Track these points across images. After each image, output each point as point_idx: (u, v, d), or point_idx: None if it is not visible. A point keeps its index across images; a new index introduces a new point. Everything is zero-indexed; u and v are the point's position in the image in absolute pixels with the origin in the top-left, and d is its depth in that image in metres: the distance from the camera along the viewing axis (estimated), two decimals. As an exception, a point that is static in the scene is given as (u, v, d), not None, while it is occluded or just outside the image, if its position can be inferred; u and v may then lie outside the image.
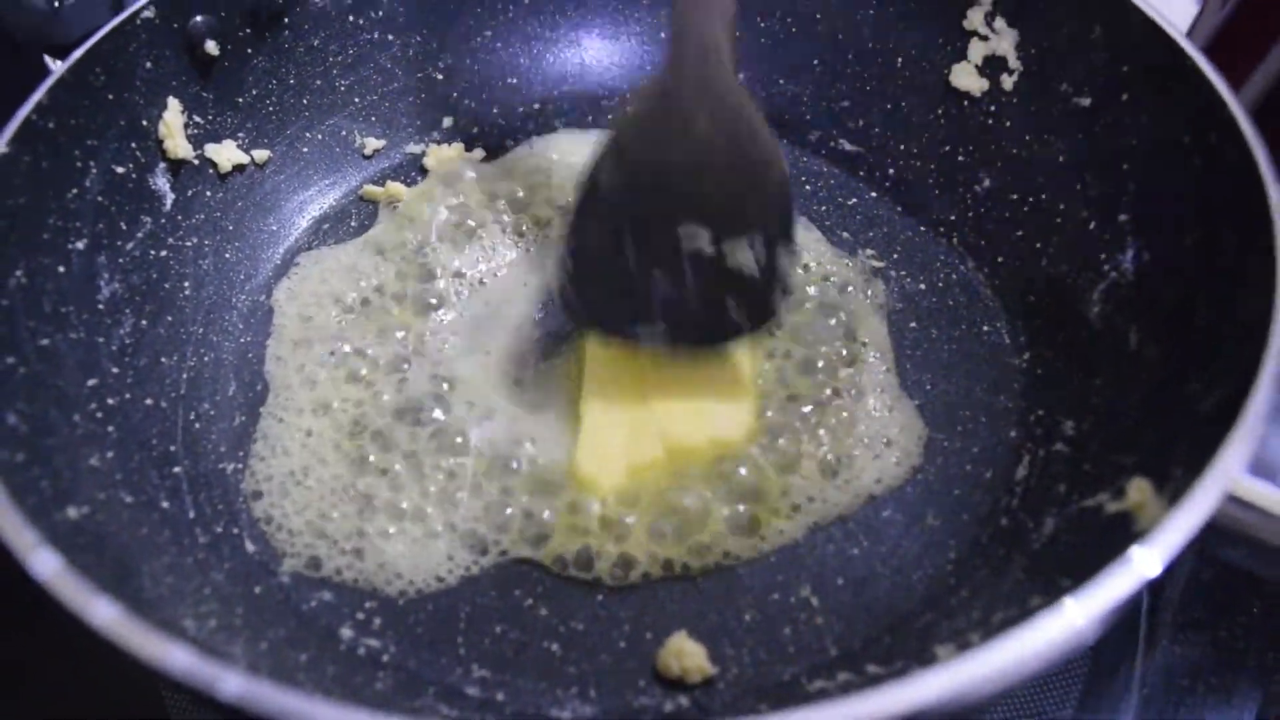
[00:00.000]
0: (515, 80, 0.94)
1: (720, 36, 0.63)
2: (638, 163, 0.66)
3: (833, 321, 0.76)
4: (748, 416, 0.70)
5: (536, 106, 0.93)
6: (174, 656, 0.42)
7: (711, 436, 0.69)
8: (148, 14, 0.73)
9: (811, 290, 0.78)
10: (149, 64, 0.74)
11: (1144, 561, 0.46)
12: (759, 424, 0.70)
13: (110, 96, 0.71)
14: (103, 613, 0.44)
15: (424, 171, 0.89)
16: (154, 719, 0.69)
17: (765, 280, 0.66)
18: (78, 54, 0.69)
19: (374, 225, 0.84)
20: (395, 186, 0.86)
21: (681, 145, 0.65)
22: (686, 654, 0.59)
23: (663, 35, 0.94)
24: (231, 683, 0.41)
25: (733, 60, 0.64)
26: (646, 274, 0.66)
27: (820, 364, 0.73)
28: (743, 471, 0.67)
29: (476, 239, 0.82)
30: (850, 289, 0.78)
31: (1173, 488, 0.50)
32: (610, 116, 0.93)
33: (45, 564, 0.46)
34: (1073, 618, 0.44)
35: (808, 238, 0.82)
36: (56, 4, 0.78)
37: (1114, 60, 0.72)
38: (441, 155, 0.89)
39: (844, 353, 0.74)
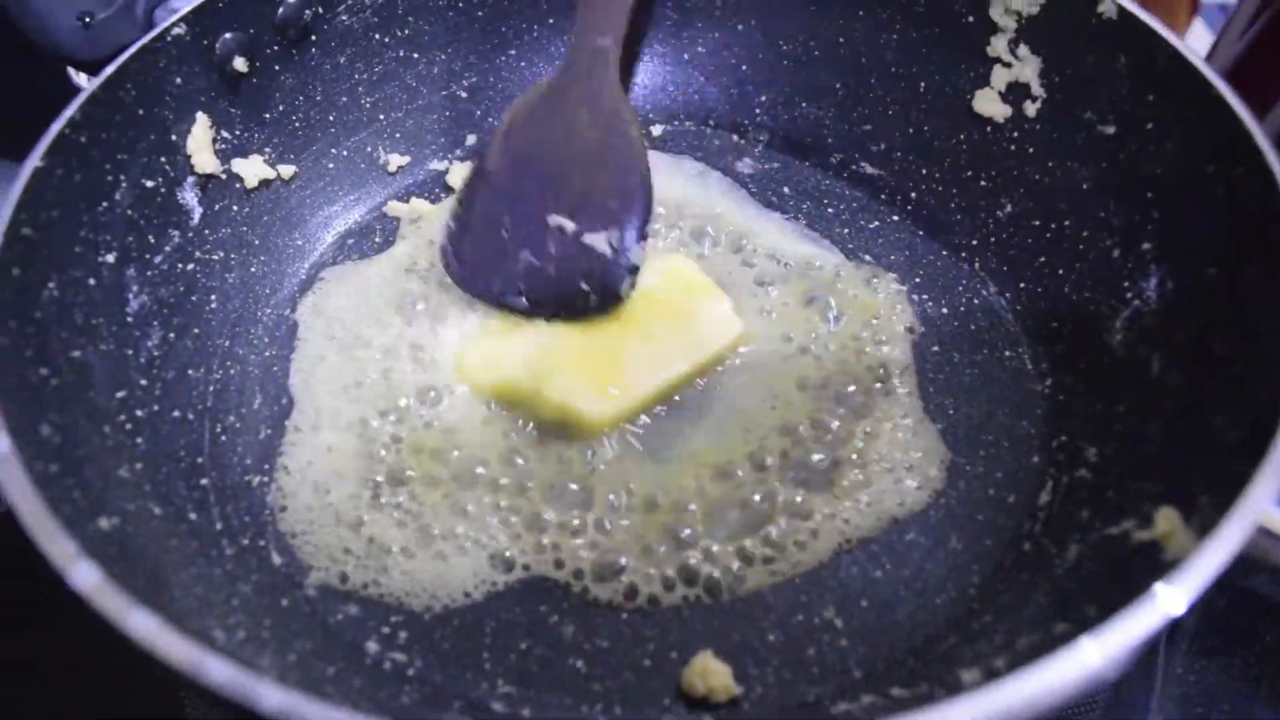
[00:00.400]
0: (539, 99, 0.94)
1: (610, 45, 0.72)
2: (519, 150, 0.74)
3: (856, 346, 0.76)
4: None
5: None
6: (212, 670, 0.43)
7: (715, 350, 0.74)
8: (178, 31, 0.73)
9: (835, 312, 0.78)
10: (179, 80, 0.74)
11: (1173, 595, 0.46)
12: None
13: (141, 112, 0.72)
14: (142, 625, 0.44)
15: (448, 188, 0.89)
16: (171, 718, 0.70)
17: (617, 267, 0.72)
18: (110, 70, 0.69)
19: (398, 241, 0.85)
20: (419, 203, 0.87)
21: (558, 139, 0.74)
22: (712, 673, 0.59)
23: (685, 57, 0.95)
24: (271, 696, 0.42)
25: (617, 67, 0.72)
26: (516, 250, 0.73)
27: (843, 387, 0.73)
28: (766, 493, 0.68)
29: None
30: (875, 314, 0.78)
31: (1201, 517, 0.51)
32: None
33: (86, 576, 0.46)
34: (1101, 652, 0.44)
35: (830, 260, 0.82)
36: (87, 21, 0.79)
37: (1138, 89, 0.72)
38: (465, 173, 0.89)
39: (867, 376, 0.74)
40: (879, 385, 0.74)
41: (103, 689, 0.71)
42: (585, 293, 0.73)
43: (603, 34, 0.71)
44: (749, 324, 0.77)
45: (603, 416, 0.71)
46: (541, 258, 0.71)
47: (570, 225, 0.71)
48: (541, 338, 0.75)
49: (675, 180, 0.88)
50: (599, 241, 0.71)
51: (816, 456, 0.70)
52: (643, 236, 0.73)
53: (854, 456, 0.70)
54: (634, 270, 0.73)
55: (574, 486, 0.69)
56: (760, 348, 0.76)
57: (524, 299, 0.74)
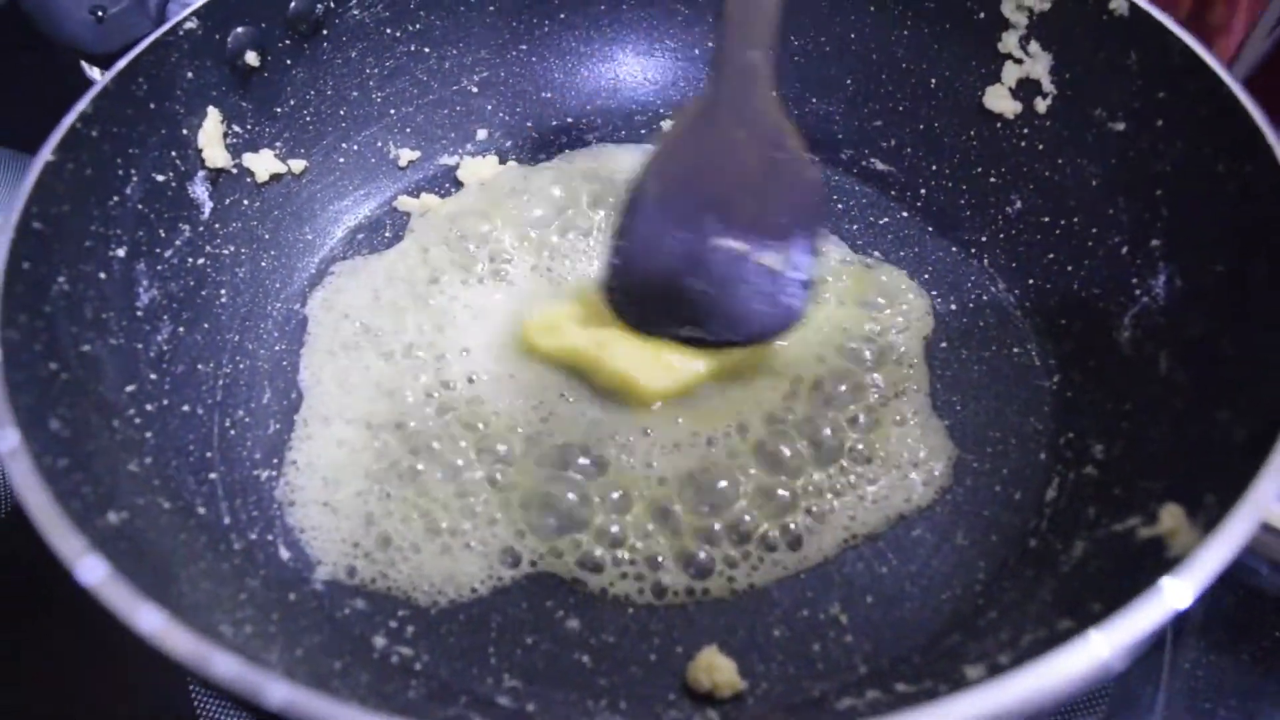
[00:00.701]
0: (549, 94, 0.95)
1: (760, 60, 0.66)
2: (677, 177, 0.70)
3: (865, 342, 0.76)
4: (672, 384, 0.73)
5: (570, 120, 0.94)
6: (220, 664, 0.43)
7: (627, 373, 0.72)
8: (190, 25, 0.74)
9: (843, 309, 0.78)
10: (190, 74, 0.75)
11: (1177, 591, 0.46)
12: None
13: (152, 106, 0.72)
14: (150, 620, 0.44)
15: (458, 183, 0.89)
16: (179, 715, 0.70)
17: (793, 284, 0.69)
18: (121, 64, 0.70)
19: (408, 236, 0.85)
20: (429, 198, 0.87)
21: (717, 162, 0.69)
22: (717, 668, 0.59)
23: (696, 53, 0.95)
24: (277, 691, 0.42)
25: (771, 81, 0.67)
26: (685, 280, 0.70)
27: (851, 383, 0.73)
28: (772, 489, 0.68)
29: (507, 252, 0.83)
30: (884, 310, 0.78)
31: (1206, 515, 0.51)
32: (644, 132, 0.94)
33: (92, 570, 0.46)
34: (1107, 646, 0.44)
35: (837, 253, 0.82)
36: (100, 14, 0.79)
37: (1150, 86, 0.72)
38: (475, 167, 0.89)
39: (875, 372, 0.74)
40: (887, 382, 0.74)
41: (111, 686, 0.72)
42: (761, 314, 0.71)
43: (752, 47, 0.65)
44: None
45: (658, 387, 0.72)
46: (713, 283, 0.69)
47: (740, 246, 0.68)
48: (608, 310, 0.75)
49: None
50: (772, 260, 0.69)
51: (823, 452, 0.70)
52: (814, 251, 0.71)
53: (861, 451, 0.70)
54: (809, 285, 0.71)
55: (582, 484, 0.69)
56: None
57: (700, 329, 0.72)
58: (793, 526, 0.66)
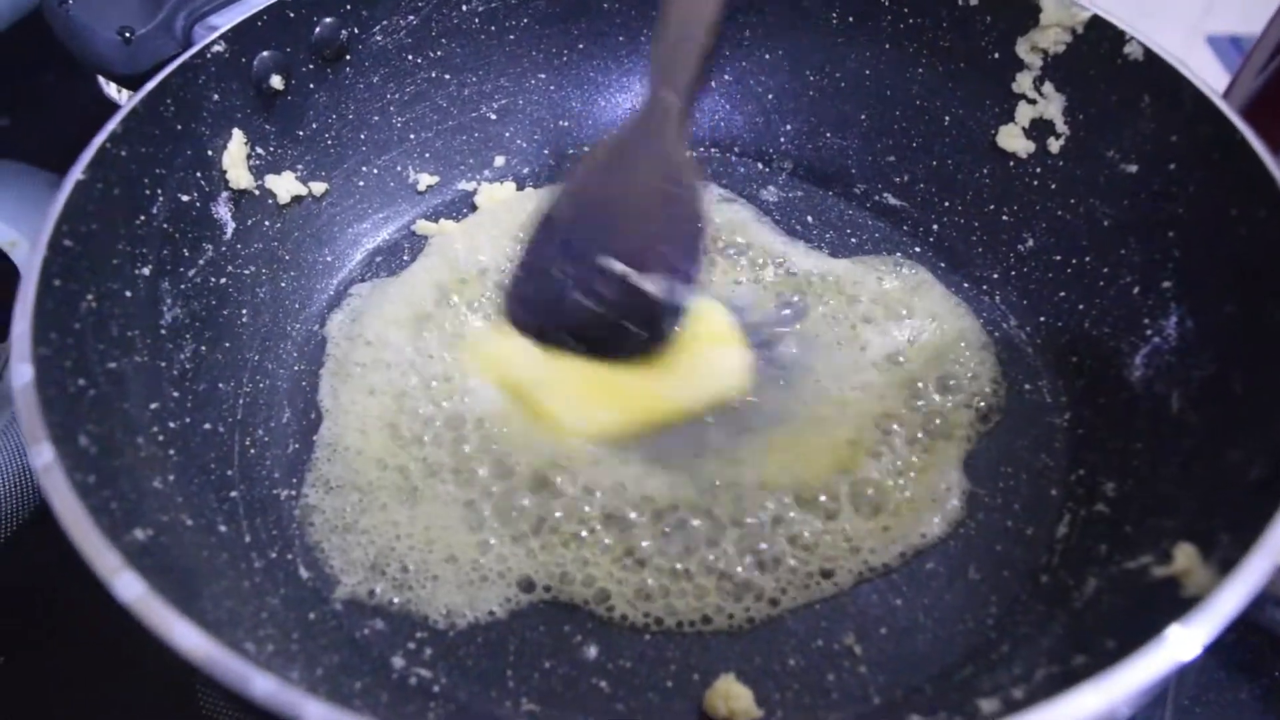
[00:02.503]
0: (567, 123, 0.96)
1: (673, 102, 0.72)
2: (582, 197, 0.75)
3: (878, 376, 0.77)
4: (741, 365, 0.77)
5: (587, 149, 0.95)
6: (258, 684, 0.43)
7: (714, 392, 0.76)
8: (218, 48, 0.74)
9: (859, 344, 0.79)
10: (216, 96, 0.75)
11: (1195, 631, 0.46)
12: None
13: (179, 127, 0.73)
14: (187, 636, 0.45)
15: (475, 208, 0.90)
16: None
17: (664, 309, 0.72)
18: (151, 85, 0.70)
19: (425, 260, 0.86)
20: (447, 223, 0.88)
21: (619, 189, 0.75)
22: (734, 696, 0.60)
23: (710, 85, 0.96)
24: (314, 711, 0.42)
25: (683, 122, 0.73)
26: (569, 292, 0.73)
27: (864, 418, 0.74)
28: (788, 519, 0.68)
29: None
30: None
31: (1220, 555, 0.51)
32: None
33: (129, 587, 0.47)
34: (1125, 684, 0.45)
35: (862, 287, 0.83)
36: (128, 36, 0.80)
37: (1162, 130, 0.73)
38: (493, 193, 0.90)
39: (890, 407, 0.75)
40: (900, 416, 0.75)
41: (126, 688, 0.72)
42: (632, 333, 0.73)
43: (669, 88, 0.72)
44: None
45: (583, 431, 0.73)
46: (592, 298, 0.72)
47: (623, 270, 0.71)
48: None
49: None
50: (649, 284, 0.71)
51: (837, 486, 0.70)
52: (690, 280, 0.73)
53: (875, 486, 0.70)
54: (679, 311, 0.73)
55: (603, 507, 0.69)
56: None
57: (573, 338, 0.75)
58: (807, 558, 0.67)
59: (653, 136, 0.73)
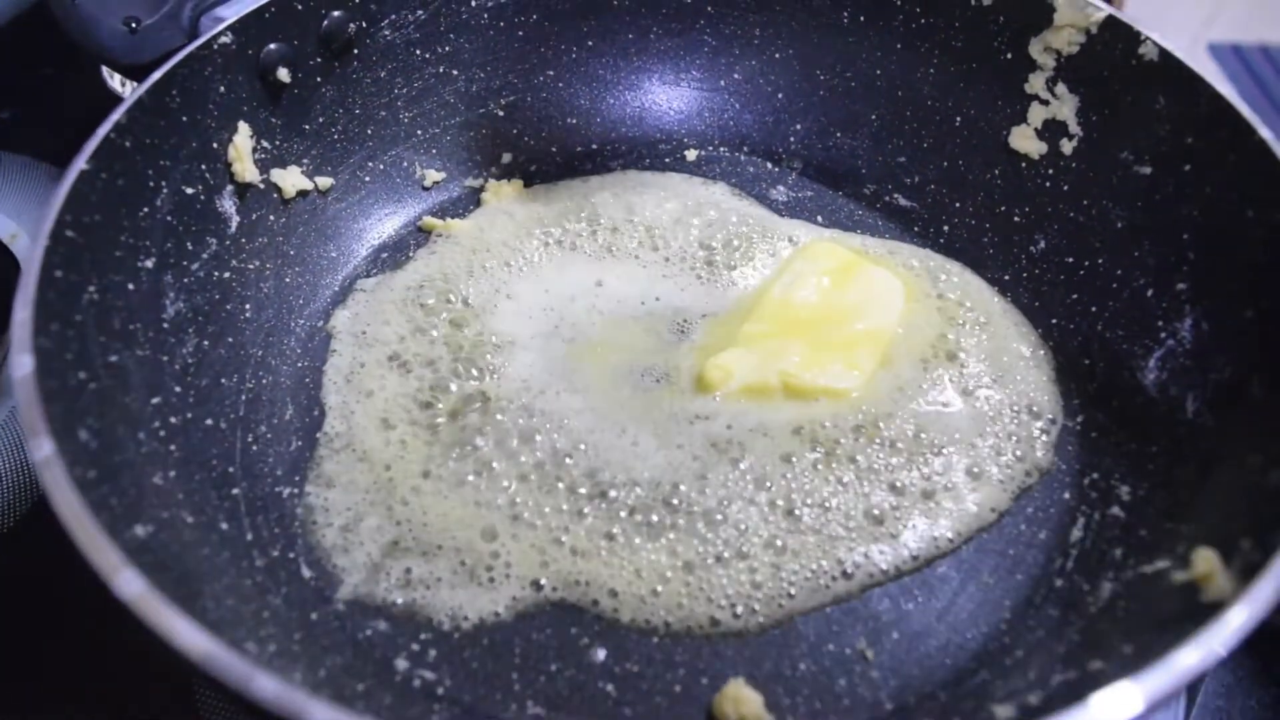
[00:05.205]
0: (575, 120, 0.95)
1: None
2: None
3: (886, 379, 0.76)
4: (860, 376, 0.76)
5: (594, 147, 0.95)
6: (262, 685, 0.43)
7: (824, 385, 0.75)
8: (225, 40, 0.74)
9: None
10: (223, 88, 0.75)
11: (1220, 637, 0.46)
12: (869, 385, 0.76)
13: (185, 119, 0.72)
14: (188, 635, 0.44)
15: (481, 205, 0.90)
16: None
17: None
18: (156, 76, 0.69)
19: (431, 256, 0.85)
20: (453, 221, 0.87)
21: None
22: (744, 701, 0.59)
23: (721, 84, 0.95)
24: (320, 713, 0.41)
25: None
26: None
27: (876, 421, 0.73)
28: (799, 524, 0.68)
29: (533, 269, 0.83)
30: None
31: (1242, 560, 0.51)
32: (668, 160, 0.95)
33: (130, 584, 0.46)
34: (1145, 692, 0.44)
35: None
36: (134, 26, 0.79)
37: (1177, 131, 0.72)
38: (499, 190, 0.90)
39: (903, 408, 0.74)
40: (912, 420, 0.74)
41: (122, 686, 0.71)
42: None
43: None
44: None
45: (857, 384, 0.75)
46: None
47: None
48: (757, 339, 0.78)
49: (710, 200, 0.89)
50: None
51: (850, 490, 0.70)
52: None
53: (888, 487, 0.70)
54: None
55: (611, 508, 0.68)
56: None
57: None
58: (818, 562, 0.66)
59: None
